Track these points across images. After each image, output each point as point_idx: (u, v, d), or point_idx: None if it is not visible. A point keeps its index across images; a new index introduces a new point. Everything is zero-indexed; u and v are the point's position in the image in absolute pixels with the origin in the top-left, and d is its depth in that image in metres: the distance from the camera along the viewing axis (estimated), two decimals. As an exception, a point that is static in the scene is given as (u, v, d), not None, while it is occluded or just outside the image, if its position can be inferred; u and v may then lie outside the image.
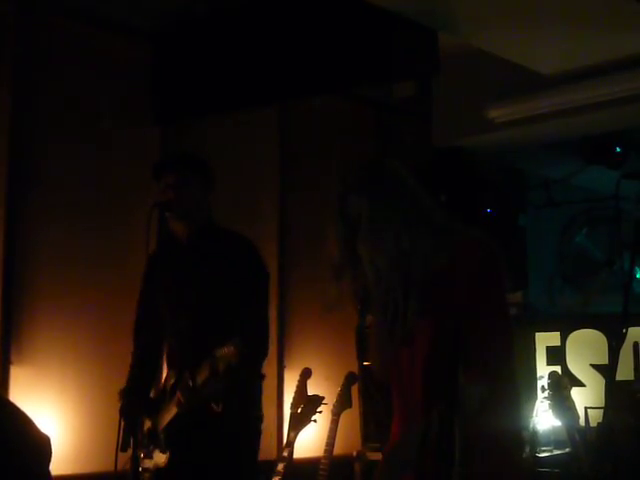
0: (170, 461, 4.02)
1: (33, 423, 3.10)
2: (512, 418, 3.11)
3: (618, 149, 6.78)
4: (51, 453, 3.12)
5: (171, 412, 4.02)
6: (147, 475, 4.11)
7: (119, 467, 3.92)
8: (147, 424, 4.15)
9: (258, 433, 4.21)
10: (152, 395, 4.34)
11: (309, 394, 5.28)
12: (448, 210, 3.09)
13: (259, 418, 4.23)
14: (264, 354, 4.16)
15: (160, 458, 4.06)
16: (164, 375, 4.31)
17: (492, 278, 3.07)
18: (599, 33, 5.36)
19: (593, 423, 5.22)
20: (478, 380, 2.96)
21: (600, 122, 6.29)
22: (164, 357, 4.38)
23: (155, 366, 4.39)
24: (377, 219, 2.94)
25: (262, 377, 4.26)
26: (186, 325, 4.11)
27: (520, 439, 3.25)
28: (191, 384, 3.87)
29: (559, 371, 6.09)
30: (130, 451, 3.94)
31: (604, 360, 6.21)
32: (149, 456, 4.12)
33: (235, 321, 3.92)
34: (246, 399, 4.16)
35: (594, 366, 6.31)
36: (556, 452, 5.94)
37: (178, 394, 3.93)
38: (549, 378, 5.04)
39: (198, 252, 4.15)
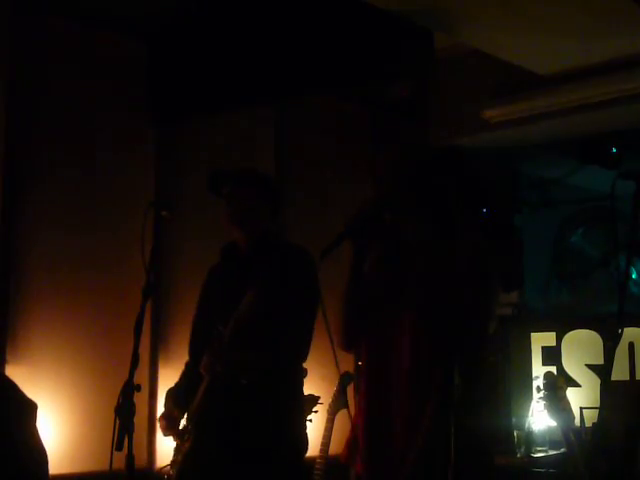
0: (192, 445, 4.03)
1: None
2: (497, 417, 3.13)
3: (614, 149, 6.78)
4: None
5: (200, 392, 4.02)
6: (173, 470, 4.13)
7: (114, 466, 3.92)
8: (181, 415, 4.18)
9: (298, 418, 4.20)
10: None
11: (305, 394, 5.29)
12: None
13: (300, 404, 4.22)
14: (298, 356, 4.14)
15: (187, 445, 4.08)
16: None
17: (481, 281, 3.09)
18: (595, 33, 5.36)
19: (588, 423, 5.23)
20: (468, 381, 2.98)
21: (596, 122, 6.30)
22: None
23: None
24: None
25: (305, 371, 4.24)
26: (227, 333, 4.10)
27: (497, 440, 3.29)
28: (218, 343, 3.90)
29: (554, 371, 6.10)
30: (125, 450, 3.94)
31: (599, 360, 6.22)
32: (179, 450, 4.14)
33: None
34: (286, 390, 4.14)
35: (589, 366, 6.31)
36: (551, 452, 5.95)
37: (204, 360, 3.94)
38: (544, 378, 5.05)
39: (253, 263, 4.14)
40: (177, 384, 4.31)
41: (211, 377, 3.98)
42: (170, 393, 4.28)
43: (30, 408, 3.88)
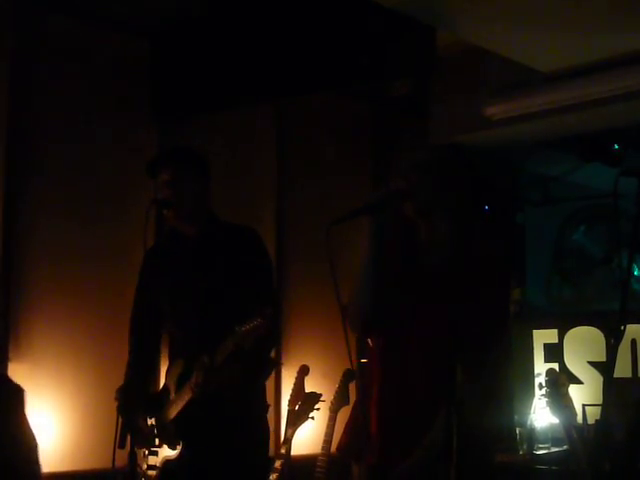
0: (182, 452, 3.97)
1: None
2: (500, 416, 3.14)
3: (616, 146, 6.77)
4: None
5: (182, 401, 3.96)
6: (153, 473, 4.08)
7: (117, 464, 3.91)
8: (150, 421, 4.10)
9: (266, 421, 4.19)
10: (152, 391, 4.32)
11: (306, 391, 5.29)
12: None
13: (266, 407, 4.22)
14: (275, 340, 4.13)
15: (169, 451, 4.03)
16: (164, 369, 4.28)
17: (499, 278, 3.11)
18: (596, 30, 5.36)
19: (591, 420, 5.22)
20: (475, 379, 2.98)
21: (598, 119, 6.29)
22: (161, 353, 4.35)
23: (153, 363, 4.37)
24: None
25: (275, 364, 4.23)
26: (191, 316, 4.06)
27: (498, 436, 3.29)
28: (209, 364, 3.81)
29: (557, 368, 6.09)
30: (128, 448, 3.93)
31: (602, 357, 6.21)
32: (154, 453, 4.09)
33: (244, 310, 3.86)
34: (257, 386, 4.14)
35: (592, 363, 6.31)
36: (554, 449, 5.94)
37: (194, 377, 3.85)
38: (547, 375, 5.05)
39: (204, 245, 4.11)
40: (129, 387, 4.14)
41: (197, 396, 3.94)
42: (126, 398, 4.07)
43: (18, 394, 3.88)
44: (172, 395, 4.04)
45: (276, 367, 4.24)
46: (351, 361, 3.00)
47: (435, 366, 3.00)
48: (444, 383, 2.89)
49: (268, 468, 4.21)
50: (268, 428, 4.17)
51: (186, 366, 3.99)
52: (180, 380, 4.01)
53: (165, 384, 4.17)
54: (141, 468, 4.09)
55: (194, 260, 4.13)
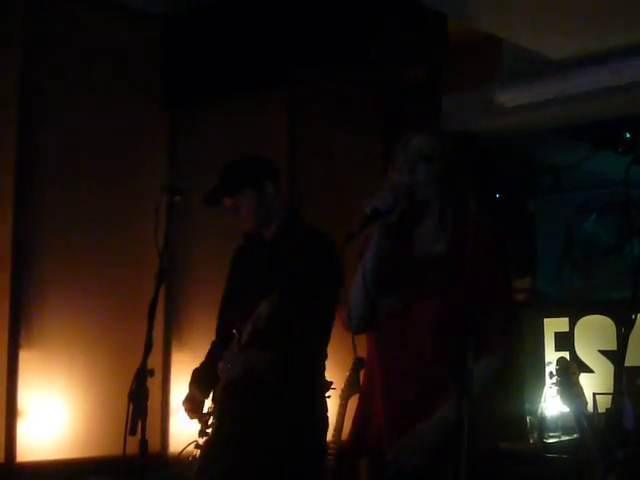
0: (213, 434, 4.08)
1: None
2: (512, 402, 3.15)
3: (628, 135, 6.75)
4: None
5: (221, 383, 4.08)
6: (194, 453, 4.16)
7: (128, 451, 3.93)
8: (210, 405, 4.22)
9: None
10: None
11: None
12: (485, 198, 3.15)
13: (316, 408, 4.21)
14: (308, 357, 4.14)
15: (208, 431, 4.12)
16: None
17: (499, 262, 3.10)
18: (608, 18, 5.34)
19: (601, 409, 5.22)
20: (486, 365, 2.98)
21: (610, 107, 6.28)
22: None
23: None
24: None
25: (327, 383, 4.25)
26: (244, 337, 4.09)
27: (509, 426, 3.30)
28: (237, 342, 3.91)
29: (567, 357, 6.09)
30: (139, 435, 3.95)
31: (613, 346, 6.21)
32: (205, 433, 4.16)
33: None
34: (299, 383, 4.13)
35: (603, 352, 6.30)
36: (564, 438, 5.95)
37: (223, 360, 3.99)
38: (557, 364, 5.04)
39: (277, 252, 4.14)
40: (202, 364, 4.34)
41: (227, 380, 3.98)
42: (194, 374, 4.30)
43: None
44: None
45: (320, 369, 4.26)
46: (355, 351, 3.02)
47: (441, 352, 3.00)
48: (453, 369, 2.89)
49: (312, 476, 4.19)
50: (318, 429, 4.18)
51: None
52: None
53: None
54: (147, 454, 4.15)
55: (266, 262, 4.19)
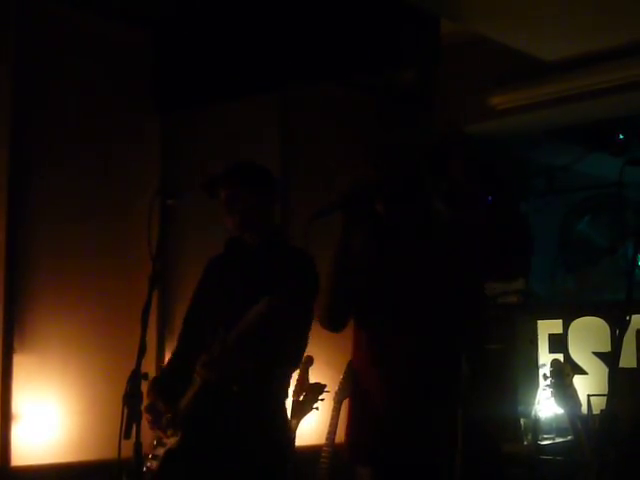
0: (182, 441, 3.99)
1: None
2: (503, 404, 3.15)
3: (621, 136, 6.77)
4: None
5: (192, 390, 3.98)
6: (154, 463, 4.09)
7: (122, 455, 3.92)
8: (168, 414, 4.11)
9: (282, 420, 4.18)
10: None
11: (311, 382, 5.29)
12: (449, 196, 3.14)
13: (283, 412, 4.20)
14: (293, 358, 4.14)
15: (172, 439, 4.05)
16: None
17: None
18: (602, 19, 5.35)
19: (596, 411, 5.22)
20: (475, 369, 2.98)
21: (603, 109, 6.29)
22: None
23: (190, 362, 4.35)
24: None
25: (300, 361, 4.24)
26: (224, 323, 4.07)
27: (504, 427, 3.29)
28: (220, 347, 3.85)
29: (561, 359, 6.09)
30: (134, 438, 3.94)
31: (607, 348, 6.21)
32: (161, 443, 4.11)
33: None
34: (273, 386, 4.12)
35: (597, 354, 6.30)
36: (558, 440, 5.95)
37: (203, 361, 3.90)
38: (551, 366, 5.05)
39: (260, 260, 4.10)
40: (162, 374, 4.27)
41: (204, 382, 3.95)
42: (155, 384, 4.16)
43: None
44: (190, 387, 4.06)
45: (301, 363, 4.23)
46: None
47: (431, 353, 3.00)
48: (447, 372, 2.90)
49: (281, 468, 4.19)
50: (285, 427, 4.17)
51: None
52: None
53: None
54: (143, 458, 4.11)
55: (249, 269, 4.13)
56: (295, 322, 3.98)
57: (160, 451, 4.10)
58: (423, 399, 3.03)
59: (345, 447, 3.30)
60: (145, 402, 3.89)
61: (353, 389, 3.34)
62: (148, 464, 4.11)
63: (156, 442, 4.13)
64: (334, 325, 3.22)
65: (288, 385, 4.23)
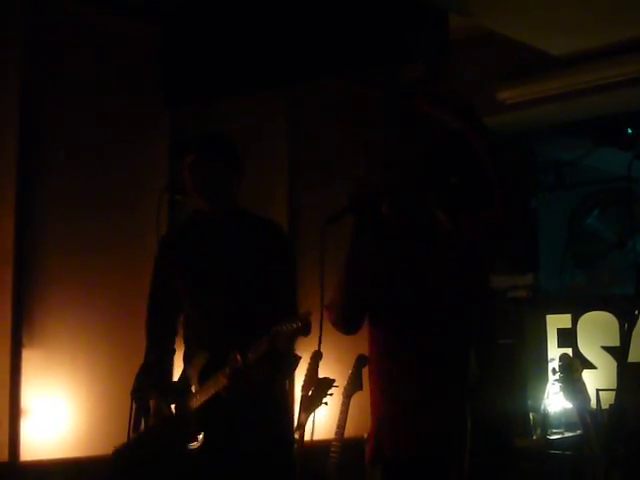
0: (203, 445, 3.97)
1: None
2: (512, 401, 3.14)
3: (629, 130, 6.75)
4: None
5: (206, 394, 3.95)
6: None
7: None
8: (170, 407, 4.11)
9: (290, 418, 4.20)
10: (169, 377, 4.31)
11: (320, 377, 5.29)
12: (458, 191, 3.13)
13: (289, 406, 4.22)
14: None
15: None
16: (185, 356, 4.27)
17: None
18: (609, 13, 5.33)
19: (604, 405, 5.22)
20: (484, 364, 2.98)
21: (611, 103, 6.27)
22: (179, 339, 4.32)
23: (171, 346, 4.32)
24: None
25: (298, 359, 4.23)
26: (217, 306, 4.05)
27: (513, 422, 3.28)
28: (240, 364, 3.79)
29: (570, 353, 6.08)
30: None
31: (616, 342, 6.20)
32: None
33: (271, 303, 3.87)
34: (281, 389, 4.14)
35: (605, 348, 6.30)
36: (567, 434, 5.94)
37: (224, 375, 3.85)
38: (560, 360, 5.04)
39: (228, 234, 4.10)
40: (147, 371, 4.19)
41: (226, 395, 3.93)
42: (141, 385, 4.15)
43: None
44: (195, 386, 4.03)
45: (298, 361, 4.23)
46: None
47: (445, 351, 2.99)
48: (456, 368, 2.89)
49: (293, 467, 4.20)
50: (292, 424, 4.20)
51: (212, 358, 3.98)
52: (204, 372, 4.00)
53: (185, 372, 4.16)
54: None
55: (218, 245, 4.12)
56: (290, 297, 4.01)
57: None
58: (432, 395, 3.02)
59: (371, 444, 3.28)
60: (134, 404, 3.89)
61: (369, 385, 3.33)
62: None
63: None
64: (348, 327, 3.23)
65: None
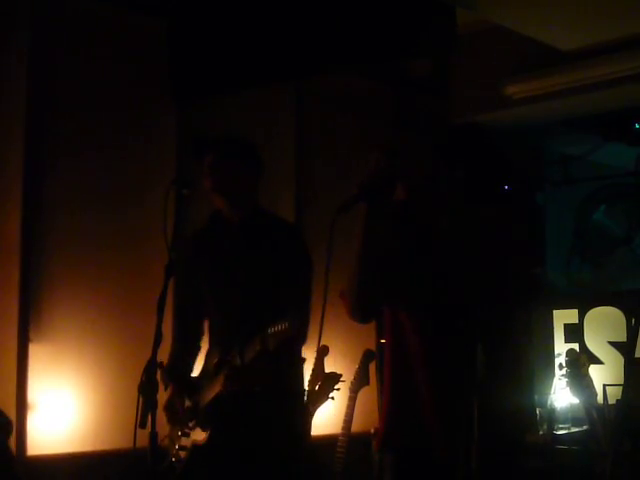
0: (209, 439, 4.03)
1: None
2: (524, 396, 3.12)
3: (637, 125, 6.74)
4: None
5: (214, 390, 4.02)
6: (183, 453, 4.13)
7: (138, 444, 3.94)
8: (187, 402, 4.17)
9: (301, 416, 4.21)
10: (194, 374, 4.35)
11: (326, 371, 5.30)
12: (466, 187, 3.13)
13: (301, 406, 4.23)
14: (304, 339, 4.14)
15: (199, 435, 4.07)
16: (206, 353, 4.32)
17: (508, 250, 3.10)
18: (618, 8, 5.32)
19: (611, 400, 5.22)
20: (497, 358, 2.97)
21: (618, 98, 6.26)
22: (205, 337, 4.38)
23: (197, 346, 4.38)
24: None
25: (303, 360, 4.25)
26: (235, 305, 4.11)
27: (529, 418, 3.26)
28: (239, 362, 3.85)
29: (577, 349, 6.08)
30: (149, 428, 3.95)
31: (622, 337, 6.19)
32: (186, 434, 4.14)
33: (284, 304, 3.89)
34: (289, 380, 4.15)
35: (612, 343, 6.29)
36: (574, 430, 5.94)
37: (224, 373, 3.92)
38: (567, 356, 5.04)
39: (249, 235, 4.14)
40: (173, 365, 4.24)
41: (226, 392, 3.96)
42: (171, 379, 4.19)
43: None
44: (207, 383, 4.08)
45: (303, 363, 4.26)
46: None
47: (456, 347, 2.99)
48: (466, 365, 2.89)
49: (301, 461, 4.23)
50: (303, 423, 4.20)
51: (221, 356, 4.04)
52: (216, 368, 4.06)
53: (204, 368, 4.22)
54: (174, 447, 4.16)
55: (238, 245, 4.16)
56: (303, 301, 4.00)
57: (186, 442, 4.13)
58: (440, 388, 3.02)
59: (382, 432, 3.26)
60: (163, 395, 3.91)
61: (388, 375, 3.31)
62: (177, 454, 4.16)
63: (180, 433, 4.16)
64: (364, 316, 3.21)
65: (303, 377, 4.25)
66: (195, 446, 4.09)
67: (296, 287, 4.08)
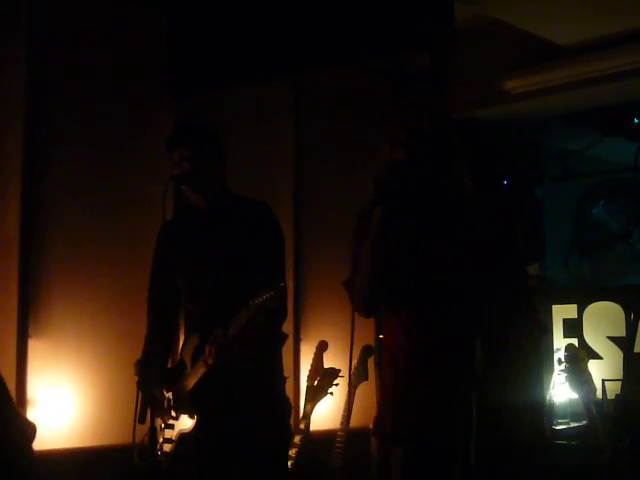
0: (197, 425, 4.01)
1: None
2: (532, 391, 3.12)
3: (636, 120, 6.74)
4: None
5: (197, 374, 3.99)
6: (168, 446, 4.11)
7: (137, 439, 3.94)
8: (167, 394, 4.14)
9: (283, 392, 4.21)
10: (170, 365, 4.35)
11: (325, 367, 5.30)
12: (466, 181, 3.13)
13: (284, 379, 4.23)
14: (285, 313, 4.14)
15: (186, 423, 4.05)
16: (181, 343, 4.30)
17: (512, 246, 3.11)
18: (616, 3, 5.32)
19: (610, 395, 5.22)
20: (498, 353, 2.97)
21: (617, 93, 6.26)
22: (179, 327, 4.37)
23: (171, 337, 4.39)
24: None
25: (285, 337, 4.25)
26: (207, 290, 4.10)
27: (538, 411, 3.26)
28: (222, 337, 3.83)
29: (576, 344, 6.08)
30: (148, 423, 3.95)
31: (621, 332, 6.19)
32: (170, 426, 4.12)
33: (260, 278, 3.88)
34: (274, 359, 4.16)
35: (611, 338, 6.29)
36: (573, 424, 5.94)
37: (207, 350, 3.89)
38: (566, 351, 5.04)
39: (219, 219, 4.14)
40: (148, 361, 4.22)
41: (211, 369, 3.95)
42: (145, 373, 4.17)
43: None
44: (188, 369, 4.06)
45: (287, 339, 4.25)
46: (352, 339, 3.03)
47: (456, 341, 2.99)
48: (465, 359, 2.89)
49: (289, 440, 4.23)
50: (287, 400, 4.19)
51: (201, 340, 4.01)
52: (196, 354, 4.03)
53: (181, 358, 4.19)
54: (157, 442, 4.13)
55: (207, 233, 4.17)
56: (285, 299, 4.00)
57: (171, 434, 4.11)
58: (439, 383, 3.02)
59: (388, 425, 3.26)
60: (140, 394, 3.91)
61: (388, 370, 3.31)
62: (163, 448, 4.13)
63: (164, 425, 4.14)
64: (370, 311, 3.23)
65: (281, 356, 4.25)
66: (182, 435, 4.06)
67: (270, 260, 4.08)
